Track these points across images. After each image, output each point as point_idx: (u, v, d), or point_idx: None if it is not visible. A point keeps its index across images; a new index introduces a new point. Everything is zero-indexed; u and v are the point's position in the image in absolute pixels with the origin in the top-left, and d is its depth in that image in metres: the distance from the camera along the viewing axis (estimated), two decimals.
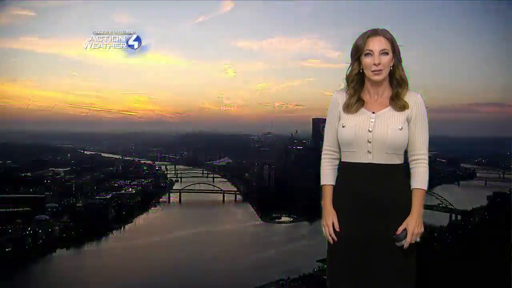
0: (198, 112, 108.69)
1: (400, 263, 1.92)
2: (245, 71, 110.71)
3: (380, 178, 1.93)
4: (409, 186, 1.97)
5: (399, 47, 1.96)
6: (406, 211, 1.93)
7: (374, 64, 1.91)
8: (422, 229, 1.90)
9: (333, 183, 2.11)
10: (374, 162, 1.93)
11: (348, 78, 2.02)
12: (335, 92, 2.08)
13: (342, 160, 2.06)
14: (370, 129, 1.93)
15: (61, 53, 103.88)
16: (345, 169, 2.04)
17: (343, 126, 1.99)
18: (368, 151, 1.94)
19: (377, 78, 1.93)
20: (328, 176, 2.13)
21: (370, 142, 1.93)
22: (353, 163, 1.98)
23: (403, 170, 1.98)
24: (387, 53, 1.91)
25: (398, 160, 1.95)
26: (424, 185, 1.93)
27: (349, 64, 2.02)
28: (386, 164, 1.93)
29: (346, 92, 2.04)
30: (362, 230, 1.95)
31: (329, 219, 2.05)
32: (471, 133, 79.43)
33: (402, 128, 1.92)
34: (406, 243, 1.88)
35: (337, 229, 2.00)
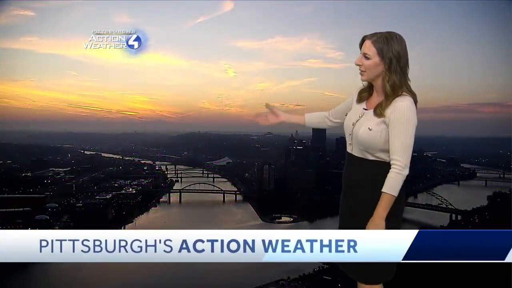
0: (198, 112, 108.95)
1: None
2: (245, 71, 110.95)
3: (355, 169, 2.08)
4: (376, 182, 2.00)
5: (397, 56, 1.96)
6: (371, 204, 1.99)
7: (355, 64, 2.03)
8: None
9: (308, 118, 2.34)
10: (352, 153, 2.09)
11: None
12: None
13: None
14: (354, 123, 2.06)
15: (61, 53, 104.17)
16: None
17: (345, 114, 2.16)
18: (349, 142, 2.10)
19: (361, 78, 2.04)
20: (311, 113, 2.35)
21: (350, 134, 2.08)
22: (346, 151, 2.16)
23: (377, 168, 2.01)
24: (368, 58, 1.97)
25: (370, 157, 2.03)
26: (392, 190, 1.93)
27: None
28: (360, 158, 2.05)
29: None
30: (344, 211, 2.14)
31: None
32: (471, 133, 79.52)
33: (372, 129, 1.98)
34: None
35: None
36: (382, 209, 1.93)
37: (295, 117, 2.34)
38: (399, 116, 1.92)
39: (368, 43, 1.97)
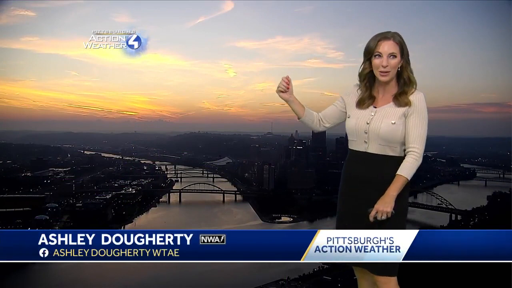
0: (198, 112, 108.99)
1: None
2: (245, 71, 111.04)
3: (372, 166, 2.10)
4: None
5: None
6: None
7: (382, 66, 2.06)
8: (388, 210, 1.98)
9: (306, 114, 2.35)
10: (369, 151, 2.12)
11: (360, 77, 2.18)
12: (355, 84, 2.23)
13: (348, 147, 2.24)
14: (368, 122, 2.11)
15: (61, 53, 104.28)
16: (348, 155, 2.24)
17: (348, 117, 2.21)
18: (365, 141, 2.12)
19: (384, 79, 2.08)
20: (309, 110, 2.36)
21: (366, 133, 2.11)
22: (353, 150, 2.19)
23: (397, 163, 2.06)
24: (395, 56, 2.05)
25: (391, 152, 2.09)
26: (407, 174, 2.01)
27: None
28: (379, 154, 2.10)
29: (357, 90, 2.20)
30: (355, 210, 2.13)
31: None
32: (471, 133, 79.55)
33: (395, 122, 2.06)
34: (370, 217, 1.99)
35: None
36: (393, 190, 2.00)
37: (298, 106, 2.37)
38: (418, 107, 2.05)
39: (390, 43, 2.05)
